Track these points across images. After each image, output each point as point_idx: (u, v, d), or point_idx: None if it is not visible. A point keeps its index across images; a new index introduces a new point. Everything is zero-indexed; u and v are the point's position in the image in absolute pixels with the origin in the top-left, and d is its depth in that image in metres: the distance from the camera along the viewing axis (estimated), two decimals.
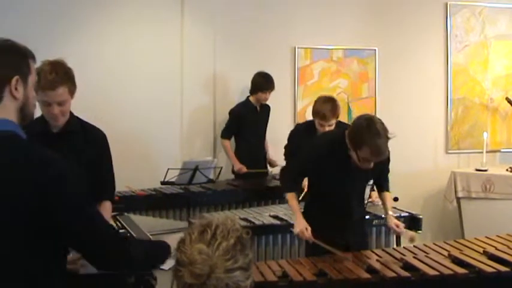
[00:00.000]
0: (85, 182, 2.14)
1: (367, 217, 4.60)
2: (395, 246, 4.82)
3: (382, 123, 3.67)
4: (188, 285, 1.72)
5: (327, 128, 4.97)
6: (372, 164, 3.71)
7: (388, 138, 3.64)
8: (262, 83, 6.23)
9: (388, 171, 4.24)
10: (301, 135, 5.23)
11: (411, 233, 3.97)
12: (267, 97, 6.29)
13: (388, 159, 4.10)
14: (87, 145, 3.37)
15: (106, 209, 3.42)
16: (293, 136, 5.46)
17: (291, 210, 4.03)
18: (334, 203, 3.94)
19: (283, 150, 5.67)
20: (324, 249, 3.79)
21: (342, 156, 3.81)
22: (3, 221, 1.93)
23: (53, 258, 2.04)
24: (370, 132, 3.57)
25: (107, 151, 3.51)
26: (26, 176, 1.94)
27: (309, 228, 3.82)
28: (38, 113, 3.33)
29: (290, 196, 4.01)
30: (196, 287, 1.71)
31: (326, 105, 4.96)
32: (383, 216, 4.89)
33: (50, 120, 3.24)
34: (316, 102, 5.11)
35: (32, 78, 2.13)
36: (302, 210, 4.06)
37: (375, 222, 4.87)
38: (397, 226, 4.02)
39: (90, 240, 2.09)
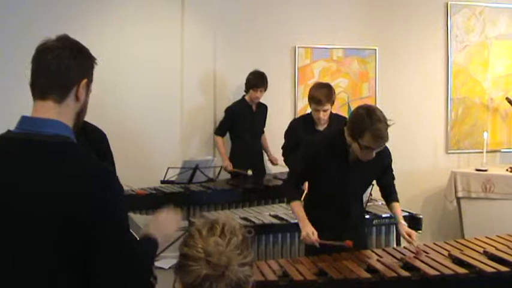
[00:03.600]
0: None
1: (367, 217, 4.60)
2: (395, 246, 4.83)
3: (381, 111, 3.71)
4: (202, 278, 1.73)
5: (322, 114, 5.02)
6: (373, 154, 3.68)
7: (387, 125, 3.65)
8: (253, 80, 6.23)
9: (393, 178, 4.20)
10: (299, 129, 5.24)
11: (417, 247, 3.89)
12: (259, 96, 6.27)
13: (391, 162, 4.10)
14: (88, 144, 3.37)
15: None
16: (290, 132, 5.45)
17: (297, 219, 3.94)
18: (333, 201, 3.91)
19: (281, 150, 5.65)
20: (323, 249, 3.77)
21: (341, 153, 3.81)
22: (50, 237, 1.80)
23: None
24: (370, 118, 3.58)
25: (108, 151, 3.51)
26: (82, 190, 1.81)
27: (315, 232, 3.77)
28: None
29: (294, 205, 3.96)
30: (212, 279, 1.73)
31: (321, 91, 5.02)
32: (383, 215, 4.92)
33: None
34: (311, 88, 5.18)
35: (91, 86, 2.07)
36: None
37: (375, 222, 4.88)
38: (409, 236, 3.90)
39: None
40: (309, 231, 3.78)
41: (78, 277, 1.83)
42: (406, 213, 5.03)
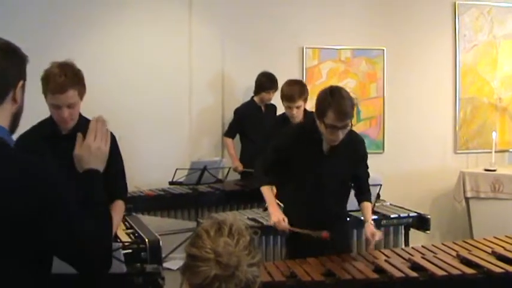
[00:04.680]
0: (74, 186, 2.02)
1: (375, 217, 4.59)
2: (403, 246, 4.83)
3: (346, 90, 3.69)
4: (211, 279, 1.74)
5: (295, 111, 5.01)
6: (340, 134, 3.61)
7: (353, 103, 3.63)
8: (266, 82, 6.22)
9: (368, 175, 4.10)
10: (275, 127, 5.20)
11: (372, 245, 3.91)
12: (271, 97, 6.27)
13: (366, 156, 4.04)
14: None
15: (119, 209, 3.44)
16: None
17: (267, 204, 3.96)
18: (308, 192, 3.83)
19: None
20: (304, 251, 3.74)
21: (314, 142, 3.77)
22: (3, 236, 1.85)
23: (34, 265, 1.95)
24: (332, 95, 3.58)
25: (116, 151, 3.52)
26: (20, 187, 1.85)
27: (286, 219, 3.78)
28: (45, 114, 3.36)
29: (264, 189, 3.96)
30: (222, 280, 1.74)
31: (293, 87, 5.02)
32: (391, 216, 4.92)
33: (60, 123, 3.25)
34: (283, 85, 5.16)
35: (24, 86, 2.06)
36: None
37: (383, 222, 4.88)
38: (372, 236, 3.84)
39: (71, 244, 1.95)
40: (280, 218, 3.78)
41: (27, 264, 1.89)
42: (415, 214, 5.04)
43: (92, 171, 2.16)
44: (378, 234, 3.87)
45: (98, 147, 2.21)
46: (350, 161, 3.87)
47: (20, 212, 1.83)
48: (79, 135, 2.27)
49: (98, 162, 2.19)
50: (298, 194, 3.90)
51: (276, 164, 3.95)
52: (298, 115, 5.05)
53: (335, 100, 3.55)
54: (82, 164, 2.18)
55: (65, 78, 3.10)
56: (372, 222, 3.97)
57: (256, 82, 6.27)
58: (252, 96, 6.37)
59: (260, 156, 4.21)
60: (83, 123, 3.35)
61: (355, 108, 3.68)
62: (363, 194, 4.06)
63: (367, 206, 4.03)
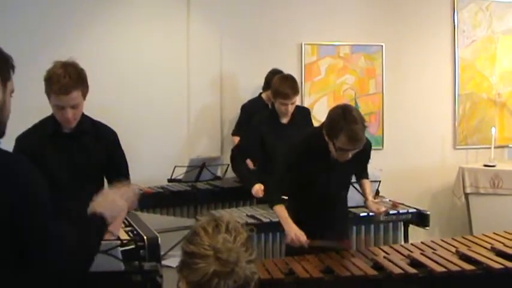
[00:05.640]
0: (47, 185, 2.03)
1: (373, 214, 4.58)
2: (402, 242, 4.82)
3: (358, 111, 3.62)
4: (210, 275, 1.74)
5: (290, 107, 4.96)
6: (349, 155, 3.62)
7: (364, 126, 3.57)
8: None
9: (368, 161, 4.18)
10: (262, 125, 5.18)
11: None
12: None
13: (368, 156, 4.06)
14: (98, 144, 3.41)
15: None
16: (251, 130, 5.35)
17: (282, 222, 3.85)
18: (316, 200, 3.84)
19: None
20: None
21: (321, 154, 3.74)
22: None
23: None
24: (345, 119, 3.50)
25: (118, 149, 3.54)
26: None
27: (303, 234, 3.71)
28: (47, 112, 3.36)
29: (277, 208, 3.88)
30: (221, 276, 1.74)
31: (286, 83, 4.93)
32: (390, 212, 4.91)
33: (63, 123, 3.25)
34: (274, 82, 5.05)
35: (11, 86, 2.07)
36: None
37: (382, 218, 4.86)
38: (378, 210, 3.98)
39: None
40: (296, 233, 3.71)
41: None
42: (414, 210, 5.03)
43: (99, 215, 2.22)
44: (382, 208, 3.98)
45: (114, 199, 2.34)
46: (356, 163, 3.87)
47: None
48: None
49: (108, 210, 2.27)
50: (302, 200, 3.91)
51: (286, 180, 3.93)
52: (291, 111, 5.02)
53: (348, 124, 3.49)
54: (95, 205, 2.26)
55: (69, 79, 3.10)
56: (373, 198, 4.06)
57: (265, 79, 6.14)
58: (260, 93, 6.28)
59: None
60: (85, 122, 3.36)
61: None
62: (361, 171, 4.14)
63: (367, 182, 4.11)
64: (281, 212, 3.85)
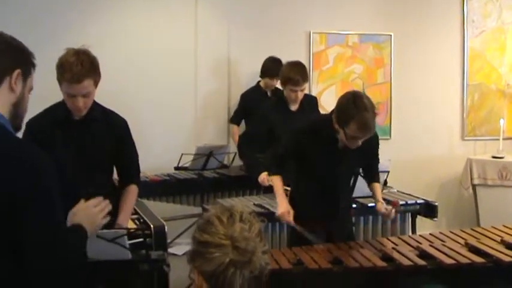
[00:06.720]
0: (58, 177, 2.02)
1: None
2: (410, 233, 4.79)
3: (369, 98, 3.60)
4: (226, 265, 1.72)
5: (300, 94, 4.94)
6: (360, 142, 3.60)
7: (375, 114, 3.56)
8: (271, 68, 6.03)
9: (378, 161, 4.14)
10: (270, 112, 5.15)
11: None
12: (274, 84, 6.07)
13: (377, 144, 4.04)
14: (108, 132, 3.39)
15: (132, 193, 3.49)
16: (261, 118, 5.31)
17: (275, 193, 3.94)
18: (321, 188, 3.84)
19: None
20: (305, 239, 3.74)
21: (328, 140, 3.72)
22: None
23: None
24: (356, 107, 3.48)
25: (128, 137, 3.52)
26: (11, 174, 1.89)
27: (291, 212, 3.77)
28: (56, 98, 3.33)
29: (274, 179, 3.95)
30: (238, 266, 1.72)
31: (295, 69, 4.89)
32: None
33: (74, 111, 3.23)
34: (283, 69, 5.03)
35: (30, 83, 2.11)
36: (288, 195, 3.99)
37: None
38: (387, 211, 3.92)
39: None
40: (285, 210, 3.78)
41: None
42: (422, 201, 5.00)
43: (79, 227, 2.20)
44: (392, 215, 3.93)
45: (93, 213, 2.31)
46: (363, 154, 3.84)
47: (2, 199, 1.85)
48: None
49: (87, 222, 2.25)
50: (309, 186, 3.89)
51: (287, 158, 3.94)
52: (300, 98, 4.99)
53: (359, 112, 3.47)
54: (74, 218, 2.24)
55: (82, 68, 3.07)
56: (383, 201, 4.00)
57: (262, 66, 6.13)
58: (258, 81, 6.27)
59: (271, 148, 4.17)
60: (96, 110, 3.34)
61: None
62: (373, 175, 4.10)
63: (378, 186, 4.06)
64: (277, 183, 3.93)
